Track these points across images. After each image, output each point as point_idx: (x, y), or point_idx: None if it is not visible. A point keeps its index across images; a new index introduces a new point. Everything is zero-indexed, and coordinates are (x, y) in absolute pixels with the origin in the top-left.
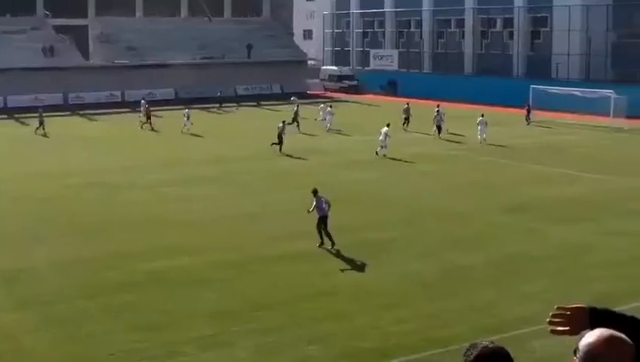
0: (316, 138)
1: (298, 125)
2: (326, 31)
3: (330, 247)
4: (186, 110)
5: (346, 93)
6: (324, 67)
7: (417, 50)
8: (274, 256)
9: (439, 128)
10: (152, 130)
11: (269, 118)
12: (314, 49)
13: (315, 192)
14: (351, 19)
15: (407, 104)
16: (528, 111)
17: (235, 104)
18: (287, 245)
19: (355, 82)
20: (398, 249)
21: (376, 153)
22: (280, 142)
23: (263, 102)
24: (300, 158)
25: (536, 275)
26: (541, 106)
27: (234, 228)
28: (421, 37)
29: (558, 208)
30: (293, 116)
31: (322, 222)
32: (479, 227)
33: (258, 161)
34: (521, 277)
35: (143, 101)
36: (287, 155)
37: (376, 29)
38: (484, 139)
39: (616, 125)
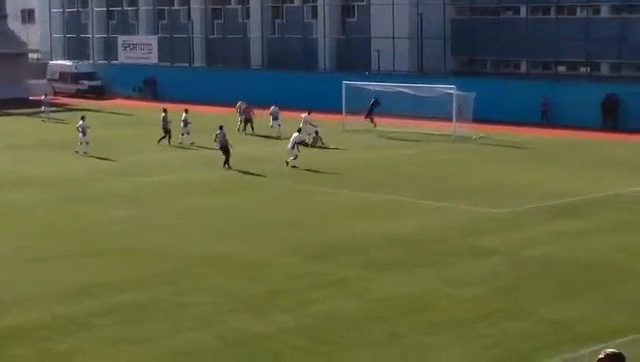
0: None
1: (170, 137)
2: (54, 11)
3: None
4: (81, 122)
5: (85, 97)
6: (53, 62)
7: (185, 36)
8: None
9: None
10: None
11: None
12: (37, 37)
13: None
14: None
15: (246, 104)
16: (372, 117)
17: None
18: None
19: (98, 82)
20: (167, 314)
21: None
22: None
23: None
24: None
25: (359, 343)
26: (358, 109)
27: None
28: (189, 17)
29: (386, 249)
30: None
31: None
32: (277, 279)
33: None
34: (339, 348)
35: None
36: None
37: (125, 7)
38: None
39: (461, 133)
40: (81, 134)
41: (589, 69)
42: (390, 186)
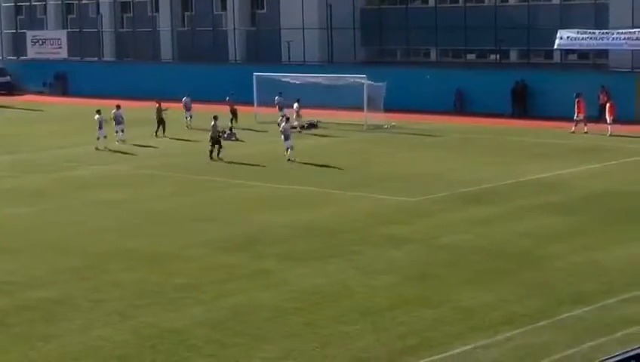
0: None
1: (164, 128)
2: None
3: None
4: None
5: None
6: None
7: (94, 30)
8: None
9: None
10: None
11: None
12: None
13: None
14: None
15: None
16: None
17: None
18: None
19: (7, 78)
20: (80, 310)
21: (288, 159)
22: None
23: None
24: None
25: (275, 334)
26: (269, 101)
27: None
28: (98, 11)
29: (300, 240)
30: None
31: None
32: (190, 272)
33: None
34: (255, 340)
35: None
36: None
37: (33, 2)
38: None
39: (372, 122)
40: (97, 127)
41: (498, 56)
42: (303, 177)
